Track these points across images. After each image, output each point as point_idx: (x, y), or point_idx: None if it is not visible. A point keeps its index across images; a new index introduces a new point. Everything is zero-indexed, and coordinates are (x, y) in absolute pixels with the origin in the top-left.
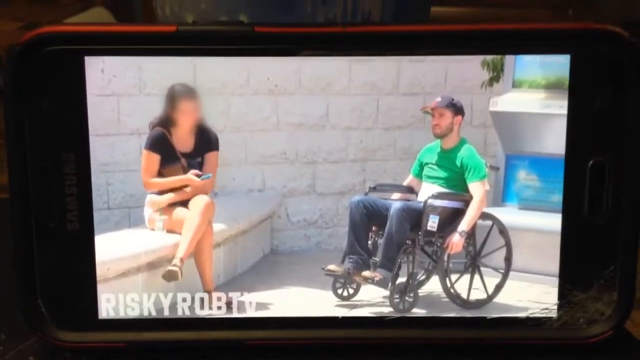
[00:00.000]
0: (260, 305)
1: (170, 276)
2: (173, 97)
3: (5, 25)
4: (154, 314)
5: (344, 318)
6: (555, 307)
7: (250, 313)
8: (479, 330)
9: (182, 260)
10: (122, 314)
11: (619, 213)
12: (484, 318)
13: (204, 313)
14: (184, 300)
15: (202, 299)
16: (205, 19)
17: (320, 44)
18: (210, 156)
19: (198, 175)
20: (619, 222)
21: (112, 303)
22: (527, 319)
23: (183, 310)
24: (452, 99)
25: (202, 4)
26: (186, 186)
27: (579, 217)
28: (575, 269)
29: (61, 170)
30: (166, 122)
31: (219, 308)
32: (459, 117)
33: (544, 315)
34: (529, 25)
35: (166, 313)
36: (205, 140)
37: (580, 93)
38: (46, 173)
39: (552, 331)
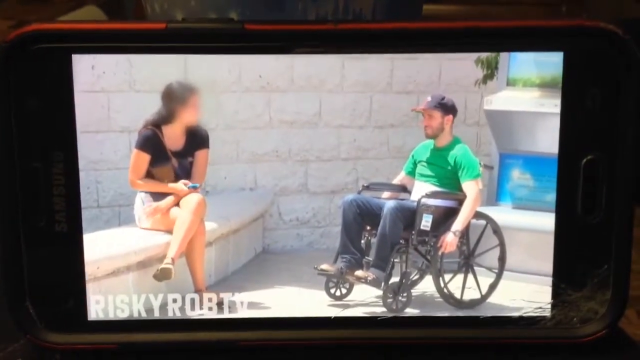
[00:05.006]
0: (252, 305)
1: (163, 274)
2: (177, 93)
3: None
4: (144, 315)
5: (336, 318)
6: (549, 306)
7: (242, 313)
8: (472, 329)
9: (173, 260)
10: (111, 316)
11: (612, 212)
12: (477, 317)
13: (195, 314)
14: (175, 301)
15: (192, 300)
16: (195, 17)
17: (311, 41)
18: (200, 154)
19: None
20: (613, 220)
21: (101, 304)
22: (521, 318)
23: (174, 311)
24: (442, 99)
25: (192, 1)
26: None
27: (572, 216)
28: (569, 268)
29: (50, 170)
30: (162, 120)
31: (210, 309)
32: (450, 117)
33: (537, 314)
34: (521, 22)
35: (156, 314)
36: (196, 138)
37: (573, 91)
38: (34, 173)
39: (545, 330)
